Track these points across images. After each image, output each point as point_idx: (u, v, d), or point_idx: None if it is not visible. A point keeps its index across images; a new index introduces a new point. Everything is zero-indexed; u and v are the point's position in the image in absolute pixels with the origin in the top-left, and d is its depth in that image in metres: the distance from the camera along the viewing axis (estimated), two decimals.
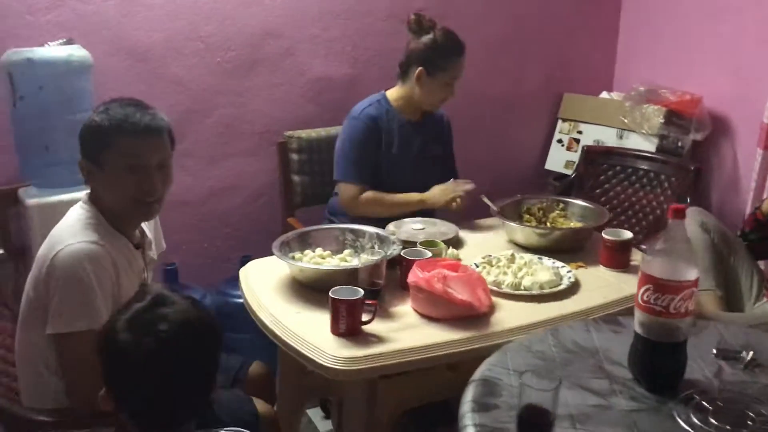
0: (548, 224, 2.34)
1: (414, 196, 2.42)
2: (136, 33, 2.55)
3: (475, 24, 3.16)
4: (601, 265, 2.07)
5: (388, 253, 1.86)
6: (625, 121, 3.07)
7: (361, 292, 1.62)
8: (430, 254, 1.91)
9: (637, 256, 2.13)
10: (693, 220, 2.38)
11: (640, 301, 1.38)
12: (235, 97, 2.77)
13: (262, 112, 2.82)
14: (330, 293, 1.61)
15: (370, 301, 1.64)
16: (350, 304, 1.59)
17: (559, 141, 3.42)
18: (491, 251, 2.10)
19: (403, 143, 2.47)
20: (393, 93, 2.50)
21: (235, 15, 2.68)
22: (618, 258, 2.05)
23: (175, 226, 2.80)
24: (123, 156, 1.52)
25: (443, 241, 2.13)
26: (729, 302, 2.35)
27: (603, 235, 2.06)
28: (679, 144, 2.94)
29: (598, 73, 3.51)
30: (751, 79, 2.76)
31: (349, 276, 1.74)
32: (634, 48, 3.43)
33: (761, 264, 2.47)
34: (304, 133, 2.70)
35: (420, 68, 2.38)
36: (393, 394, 1.80)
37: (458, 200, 2.38)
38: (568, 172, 3.29)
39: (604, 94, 3.33)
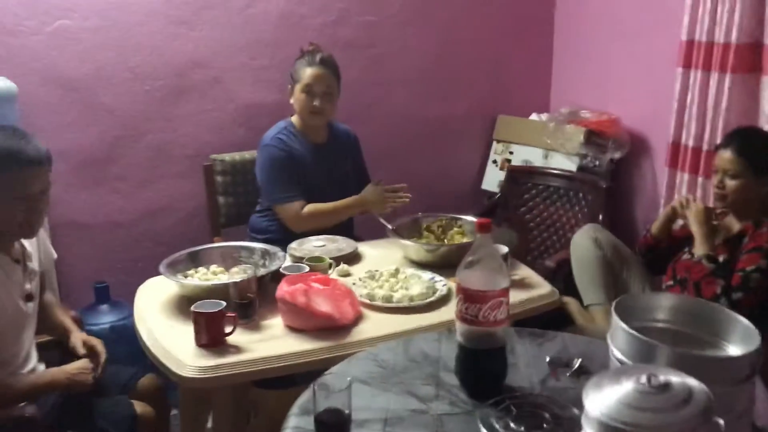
0: (446, 241, 2.44)
1: (351, 199, 2.55)
2: (66, 65, 2.71)
3: (407, 50, 3.30)
4: None
5: (263, 269, 1.97)
6: (548, 141, 3.18)
7: (223, 304, 1.74)
8: (307, 269, 2.02)
9: (523, 271, 2.24)
10: (587, 236, 2.47)
11: (457, 311, 1.48)
12: (165, 123, 2.91)
13: (192, 136, 2.96)
14: (192, 307, 1.73)
15: (231, 314, 1.75)
16: (209, 316, 1.70)
17: (494, 161, 3.53)
18: (383, 267, 2.20)
19: (315, 165, 2.60)
20: (295, 118, 2.63)
21: (163, 46, 2.83)
22: None
23: (110, 246, 2.95)
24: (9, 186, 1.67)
25: (338, 257, 2.25)
26: None
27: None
28: (597, 163, 3.03)
29: (533, 96, 3.62)
30: (663, 100, 2.85)
31: (225, 291, 1.86)
32: (566, 71, 3.55)
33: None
34: (228, 156, 2.83)
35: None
36: (270, 406, 1.90)
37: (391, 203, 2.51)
38: None
39: (534, 116, 3.44)
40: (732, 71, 2.45)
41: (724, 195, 2.18)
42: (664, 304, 1.47)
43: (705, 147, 2.58)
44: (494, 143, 3.54)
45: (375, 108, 3.31)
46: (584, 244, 2.46)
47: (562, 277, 2.58)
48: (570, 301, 2.59)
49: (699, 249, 2.16)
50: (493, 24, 3.47)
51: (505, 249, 2.17)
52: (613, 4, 3.19)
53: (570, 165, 3.14)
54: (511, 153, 3.45)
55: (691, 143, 2.63)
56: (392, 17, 3.25)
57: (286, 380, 2.02)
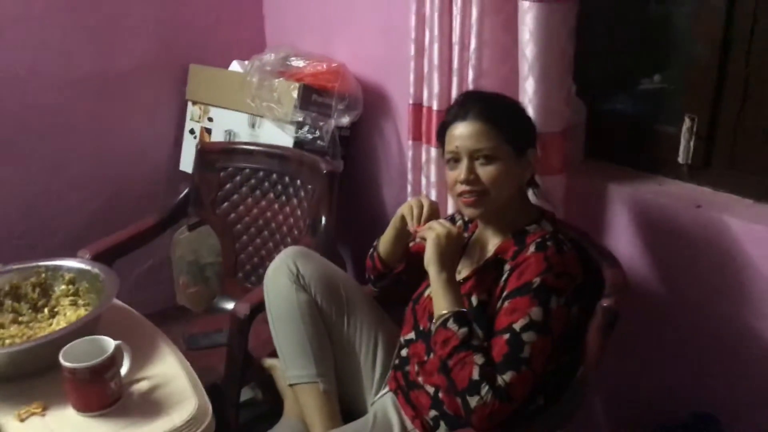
0: (48, 315, 1.41)
1: None
2: None
3: None
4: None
5: None
6: (251, 103, 2.19)
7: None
8: None
9: (158, 367, 1.26)
10: (284, 272, 1.54)
11: None
12: None
13: None
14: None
15: None
16: None
17: (191, 131, 2.49)
18: None
19: None
20: None
21: None
22: (87, 393, 1.15)
23: None
24: None
25: None
26: (349, 393, 1.57)
27: (60, 359, 1.15)
28: (318, 133, 2.11)
29: (242, 35, 2.58)
30: (400, 36, 1.95)
31: None
32: (283, 4, 2.54)
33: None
34: None
35: None
36: None
37: None
38: None
39: (235, 65, 2.42)
40: None
41: (481, 191, 1.34)
42: None
43: None
44: (189, 105, 2.49)
45: None
46: (280, 287, 1.52)
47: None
48: (273, 366, 1.68)
49: (438, 305, 1.31)
50: None
51: (111, 345, 1.20)
52: None
53: (285, 138, 2.19)
54: (210, 120, 2.42)
55: (435, 105, 1.78)
56: None
57: None
